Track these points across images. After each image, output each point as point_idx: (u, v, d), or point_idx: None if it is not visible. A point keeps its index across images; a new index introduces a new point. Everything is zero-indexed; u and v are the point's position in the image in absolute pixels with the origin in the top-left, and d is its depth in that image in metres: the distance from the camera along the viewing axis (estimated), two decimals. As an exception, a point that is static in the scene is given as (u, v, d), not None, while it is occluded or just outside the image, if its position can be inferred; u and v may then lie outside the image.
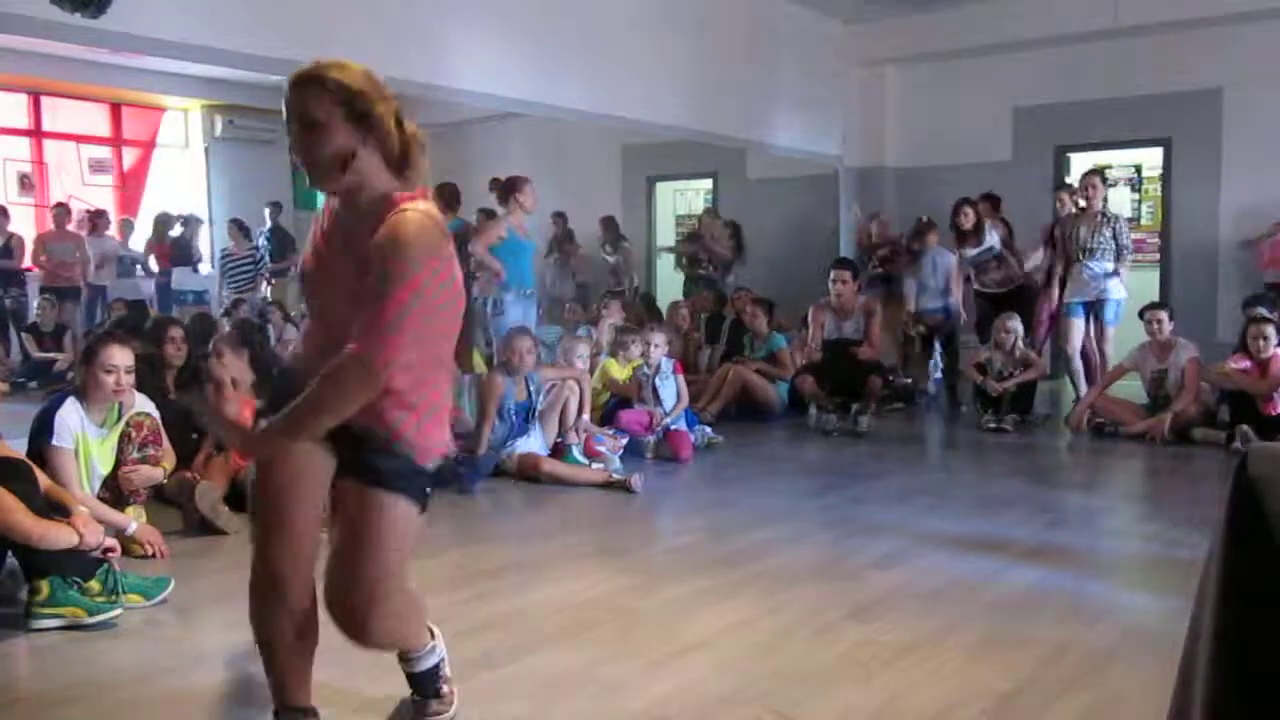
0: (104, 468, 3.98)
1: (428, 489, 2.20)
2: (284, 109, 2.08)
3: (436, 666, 2.44)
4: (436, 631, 2.47)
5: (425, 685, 2.44)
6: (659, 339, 6.33)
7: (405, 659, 2.42)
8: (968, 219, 8.01)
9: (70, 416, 3.82)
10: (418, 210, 2.03)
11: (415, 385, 2.10)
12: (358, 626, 2.13)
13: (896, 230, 9.71)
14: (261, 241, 11.22)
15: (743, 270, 10.23)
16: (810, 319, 7.53)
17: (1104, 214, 7.46)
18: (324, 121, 2.03)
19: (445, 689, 2.47)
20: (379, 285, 1.96)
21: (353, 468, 2.13)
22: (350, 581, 2.10)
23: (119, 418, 4.04)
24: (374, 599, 2.11)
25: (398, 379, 2.03)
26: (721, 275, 10.14)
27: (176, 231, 11.21)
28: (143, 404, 4.15)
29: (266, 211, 11.36)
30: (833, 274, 7.34)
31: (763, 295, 8.34)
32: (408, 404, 2.10)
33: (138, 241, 11.36)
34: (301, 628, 2.18)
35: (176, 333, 5.30)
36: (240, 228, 10.99)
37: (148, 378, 4.53)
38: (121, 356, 3.90)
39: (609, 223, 11.38)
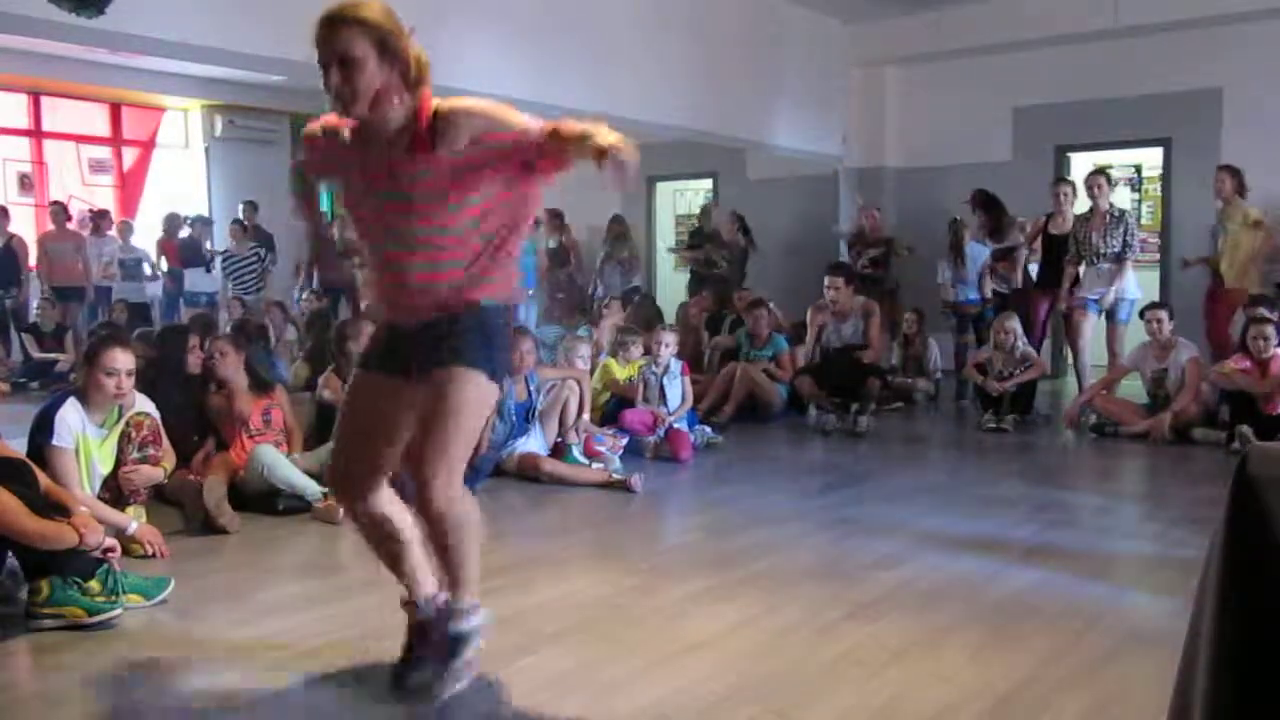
0: (104, 468, 3.98)
1: (498, 364, 2.47)
2: (317, 46, 2.30)
3: (464, 637, 2.55)
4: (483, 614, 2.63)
5: (448, 647, 2.55)
6: (670, 339, 6.33)
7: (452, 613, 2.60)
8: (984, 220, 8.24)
9: (70, 416, 3.83)
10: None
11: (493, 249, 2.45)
12: (427, 484, 2.33)
13: (891, 231, 9.70)
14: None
15: (757, 258, 10.18)
16: (809, 320, 7.53)
17: (1112, 214, 7.44)
18: (362, 58, 2.30)
19: (451, 666, 2.56)
20: (503, 130, 2.36)
21: (432, 363, 2.39)
22: (429, 444, 2.33)
23: (119, 418, 4.03)
24: (448, 459, 2.34)
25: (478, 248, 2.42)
26: (737, 269, 10.03)
27: (185, 233, 11.18)
28: (143, 404, 4.15)
29: (240, 210, 11.20)
30: (826, 280, 7.31)
31: (760, 295, 8.32)
32: (485, 269, 2.43)
33: (136, 242, 11.32)
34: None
35: (194, 341, 5.30)
36: (241, 228, 10.97)
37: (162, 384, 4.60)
38: (123, 359, 3.90)
39: (619, 221, 11.02)
